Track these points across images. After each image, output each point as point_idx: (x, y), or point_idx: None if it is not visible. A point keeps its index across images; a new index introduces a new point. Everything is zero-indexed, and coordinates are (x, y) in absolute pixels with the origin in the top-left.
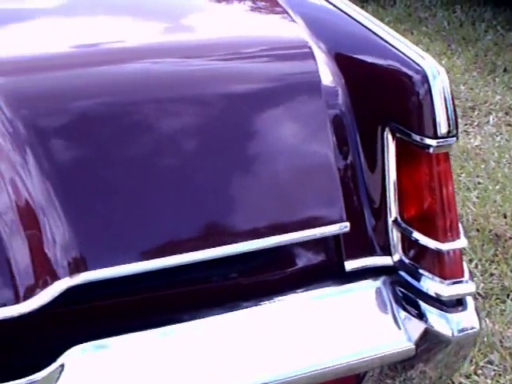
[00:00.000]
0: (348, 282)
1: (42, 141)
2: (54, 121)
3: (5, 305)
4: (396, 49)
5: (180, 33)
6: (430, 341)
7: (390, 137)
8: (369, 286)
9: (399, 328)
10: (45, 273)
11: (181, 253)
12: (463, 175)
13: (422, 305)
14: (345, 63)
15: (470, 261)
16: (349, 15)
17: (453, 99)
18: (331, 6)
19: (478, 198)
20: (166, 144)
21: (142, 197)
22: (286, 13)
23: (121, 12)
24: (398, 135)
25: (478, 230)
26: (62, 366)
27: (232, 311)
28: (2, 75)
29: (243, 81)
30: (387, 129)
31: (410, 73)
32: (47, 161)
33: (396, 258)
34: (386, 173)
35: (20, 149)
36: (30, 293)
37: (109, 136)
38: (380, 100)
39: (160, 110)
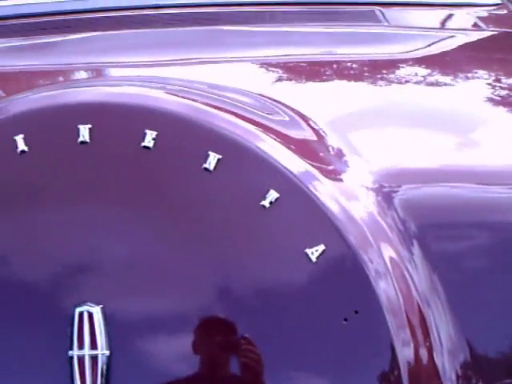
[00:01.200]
0: None
1: (430, 239)
2: (440, 225)
3: None
4: None
5: None
6: None
7: None
8: None
9: None
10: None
11: None
12: None
13: None
14: None
15: None
16: None
17: None
18: None
19: None
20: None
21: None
22: None
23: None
24: None
25: None
26: None
27: None
28: (402, 184)
29: None
30: None
31: None
32: (433, 256)
33: None
34: None
35: (408, 244)
36: None
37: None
38: None
39: None
